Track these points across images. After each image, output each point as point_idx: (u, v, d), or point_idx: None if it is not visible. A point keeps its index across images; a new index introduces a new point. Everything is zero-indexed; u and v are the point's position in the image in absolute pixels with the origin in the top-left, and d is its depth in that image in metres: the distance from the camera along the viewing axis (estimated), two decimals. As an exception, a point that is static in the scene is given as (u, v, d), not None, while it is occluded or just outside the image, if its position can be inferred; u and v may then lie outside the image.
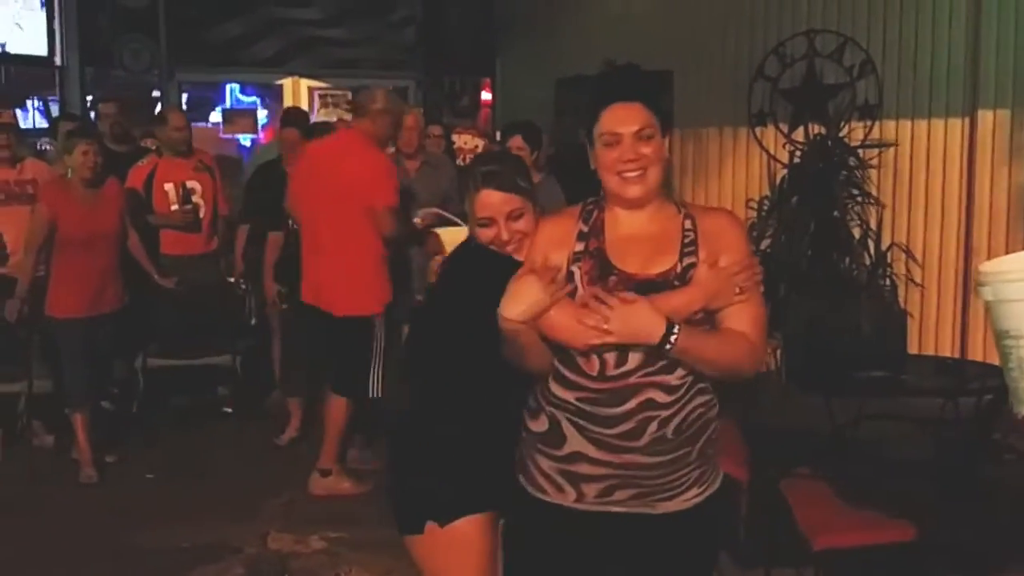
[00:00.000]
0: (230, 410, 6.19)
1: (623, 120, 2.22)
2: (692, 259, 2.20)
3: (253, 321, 5.99)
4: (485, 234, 2.41)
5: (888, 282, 6.76)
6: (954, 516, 4.01)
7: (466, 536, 2.45)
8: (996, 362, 2.20)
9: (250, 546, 4.39)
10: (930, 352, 6.54)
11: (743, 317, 2.20)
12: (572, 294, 2.19)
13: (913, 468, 4.49)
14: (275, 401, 6.05)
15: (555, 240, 2.28)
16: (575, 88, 7.88)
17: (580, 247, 2.24)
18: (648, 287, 2.16)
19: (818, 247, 6.81)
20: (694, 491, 2.25)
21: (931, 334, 6.79)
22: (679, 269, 2.19)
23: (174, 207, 6.00)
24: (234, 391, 6.23)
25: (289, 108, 7.90)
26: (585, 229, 2.26)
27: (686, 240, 2.22)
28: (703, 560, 2.37)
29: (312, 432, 5.69)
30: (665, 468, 2.20)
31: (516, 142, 5.49)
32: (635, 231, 2.25)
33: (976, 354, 6.35)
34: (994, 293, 2.15)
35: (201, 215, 6.07)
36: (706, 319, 2.20)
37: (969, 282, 6.63)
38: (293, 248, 5.46)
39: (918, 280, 6.81)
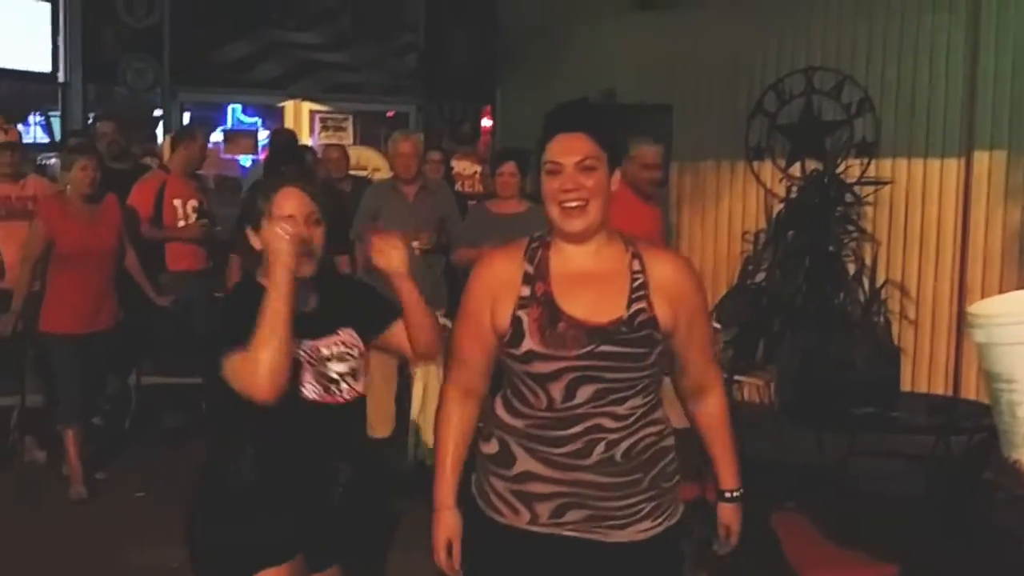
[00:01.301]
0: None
1: (566, 150, 2.19)
2: (642, 304, 2.18)
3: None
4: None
5: (882, 318, 6.80)
6: (944, 555, 4.01)
7: None
8: (989, 401, 2.21)
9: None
10: (923, 389, 6.55)
11: (699, 342, 2.31)
12: (519, 341, 2.17)
13: (904, 505, 4.48)
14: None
15: (500, 282, 2.23)
16: (553, 115, 7.89)
17: (526, 292, 2.20)
18: (598, 334, 2.14)
19: (813, 282, 6.86)
20: (647, 523, 2.23)
21: (924, 371, 6.80)
22: (626, 316, 2.16)
23: (181, 223, 6.02)
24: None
25: (278, 129, 7.96)
26: (531, 271, 2.22)
27: (635, 283, 2.20)
28: None
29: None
30: (615, 491, 2.19)
31: (509, 168, 5.59)
32: (581, 268, 2.21)
33: (969, 392, 6.36)
34: (986, 336, 2.13)
35: None
36: (659, 358, 2.22)
37: (963, 321, 6.65)
38: None
39: (912, 317, 6.85)
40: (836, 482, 4.74)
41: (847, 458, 4.82)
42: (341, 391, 2.50)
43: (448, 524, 2.28)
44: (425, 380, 4.86)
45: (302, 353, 2.41)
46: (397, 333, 2.66)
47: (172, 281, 5.91)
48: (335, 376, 2.49)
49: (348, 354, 2.53)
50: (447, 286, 5.96)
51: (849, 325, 6.58)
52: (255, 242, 2.48)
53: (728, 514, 2.41)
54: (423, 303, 2.62)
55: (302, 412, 2.42)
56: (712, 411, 2.37)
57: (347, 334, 2.55)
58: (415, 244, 5.76)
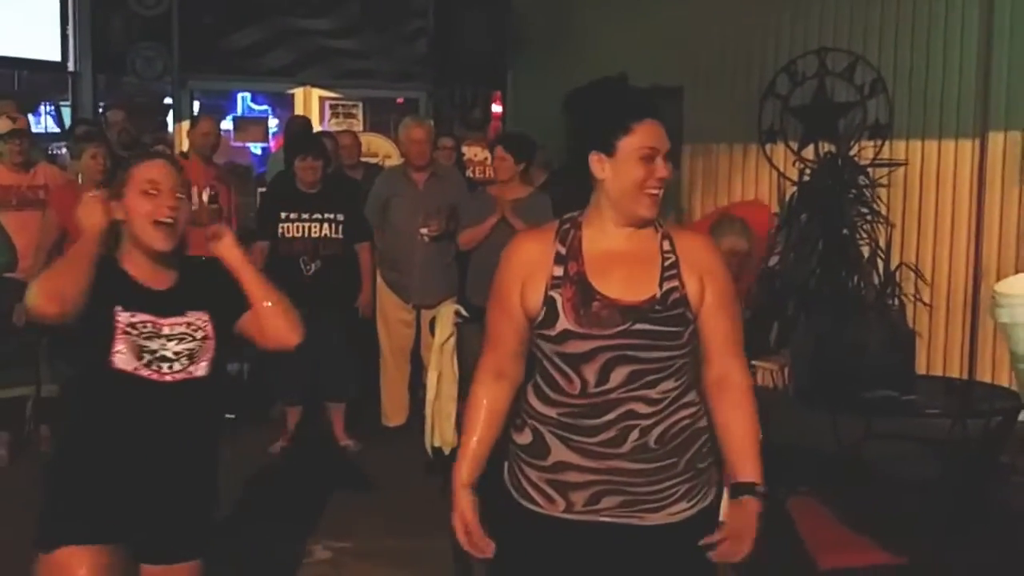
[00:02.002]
0: (232, 415, 6.19)
1: (660, 138, 2.20)
2: (674, 283, 2.19)
3: None
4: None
5: (896, 301, 6.76)
6: (961, 538, 3.99)
7: (60, 568, 2.41)
8: (1005, 383, 2.21)
9: (255, 556, 4.34)
10: (938, 373, 6.52)
11: (724, 331, 2.25)
12: (553, 321, 2.17)
13: (920, 489, 4.48)
14: (280, 410, 6.05)
15: (531, 263, 2.23)
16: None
17: (559, 272, 2.20)
18: (632, 313, 2.15)
19: (827, 265, 6.83)
20: (682, 504, 2.23)
21: (939, 354, 6.77)
22: (659, 294, 2.18)
23: (195, 208, 6.01)
24: (238, 399, 6.22)
25: (293, 117, 7.95)
26: (563, 251, 2.23)
27: (666, 263, 2.22)
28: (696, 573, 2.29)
29: (307, 441, 5.72)
30: (650, 476, 2.19)
31: (498, 152, 5.60)
32: (613, 248, 2.23)
33: (985, 375, 6.34)
34: (1011, 316, 2.15)
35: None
36: (691, 337, 2.21)
37: (978, 303, 6.62)
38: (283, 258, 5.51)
39: (926, 300, 6.81)
40: (851, 466, 4.73)
41: (862, 442, 4.82)
42: (171, 370, 2.45)
43: (463, 504, 2.27)
44: (439, 368, 4.85)
45: (120, 322, 2.40)
46: (247, 320, 2.61)
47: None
48: (169, 355, 2.45)
49: (190, 335, 2.49)
50: (459, 273, 5.98)
51: (863, 308, 6.55)
52: (119, 212, 2.49)
53: (750, 511, 2.22)
54: (263, 285, 2.61)
55: (115, 383, 2.40)
56: (737, 404, 2.26)
57: (196, 316, 2.52)
58: (424, 231, 5.75)
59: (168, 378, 2.44)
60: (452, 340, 4.83)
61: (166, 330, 2.46)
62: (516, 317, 2.25)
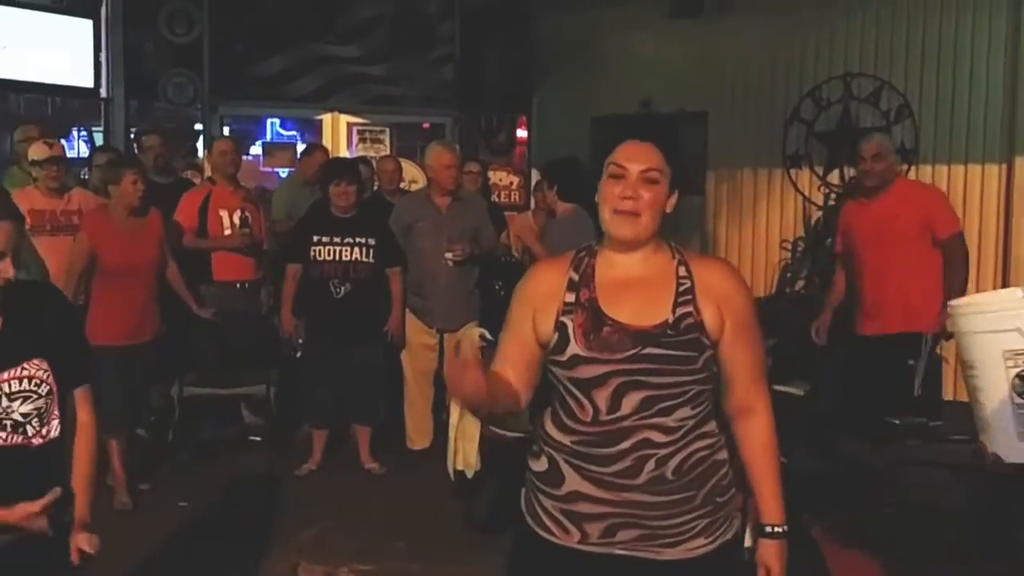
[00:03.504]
0: (259, 439, 6.20)
1: (633, 157, 2.19)
2: (687, 308, 2.16)
3: (298, 354, 5.98)
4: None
5: (924, 326, 6.70)
6: (987, 566, 3.95)
7: None
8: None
9: (280, 577, 4.40)
10: (965, 399, 6.44)
11: (744, 360, 2.21)
12: (564, 347, 2.16)
13: (947, 516, 4.45)
14: (306, 432, 6.06)
15: (544, 292, 2.23)
16: (611, 126, 7.93)
17: (571, 298, 2.19)
18: (643, 337, 2.12)
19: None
20: (701, 540, 2.18)
21: (967, 380, 6.70)
22: (671, 319, 2.14)
23: (227, 232, 6.06)
24: (265, 421, 6.24)
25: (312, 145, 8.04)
26: (576, 278, 2.22)
27: (681, 288, 2.18)
28: None
29: (332, 464, 5.72)
30: (668, 509, 2.15)
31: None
32: (627, 275, 2.21)
33: (1013, 401, 6.26)
34: (953, 325, 2.23)
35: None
36: (707, 363, 2.17)
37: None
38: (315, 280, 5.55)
39: (954, 326, 6.75)
40: (878, 492, 4.69)
41: (888, 467, 4.77)
42: (27, 435, 2.23)
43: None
44: (463, 392, 4.83)
45: None
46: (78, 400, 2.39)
47: (215, 293, 5.93)
48: (18, 419, 2.21)
49: (33, 392, 2.24)
50: (480, 298, 5.99)
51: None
52: None
53: (770, 552, 2.22)
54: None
55: None
56: (756, 436, 2.23)
57: (36, 366, 2.24)
58: (448, 256, 5.77)
59: (28, 444, 2.23)
60: (477, 364, 4.81)
61: (4, 387, 2.20)
62: (529, 344, 2.24)
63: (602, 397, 2.14)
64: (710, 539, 2.19)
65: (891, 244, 5.03)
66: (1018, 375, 2.09)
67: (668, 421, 2.14)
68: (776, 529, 2.22)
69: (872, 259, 5.12)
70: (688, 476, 2.16)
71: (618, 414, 2.13)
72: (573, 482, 2.19)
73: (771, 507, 2.22)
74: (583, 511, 2.18)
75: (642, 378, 2.12)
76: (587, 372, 2.14)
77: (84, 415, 2.43)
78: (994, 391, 2.14)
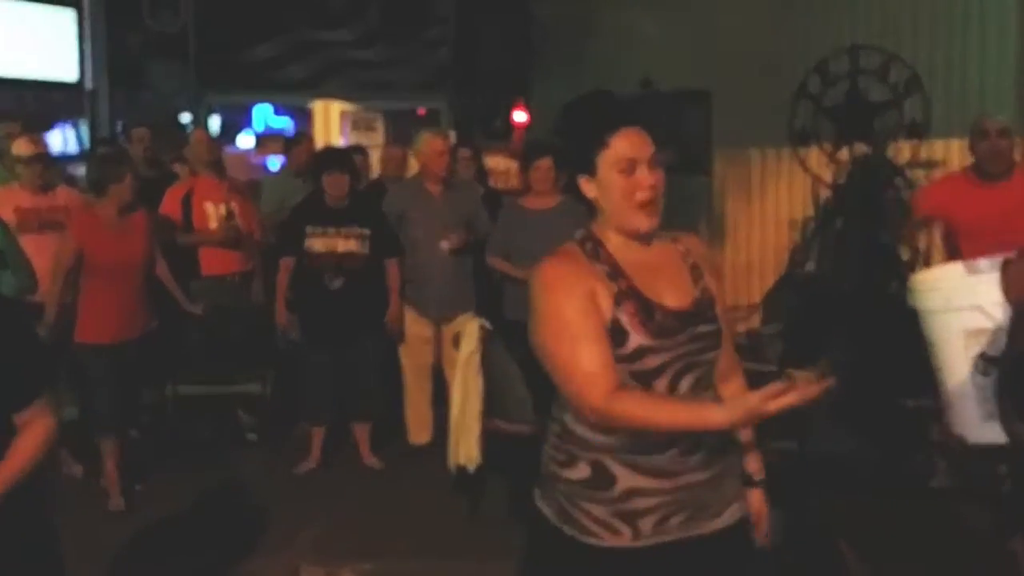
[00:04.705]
0: (255, 436, 6.11)
1: (637, 145, 2.15)
2: (702, 283, 2.24)
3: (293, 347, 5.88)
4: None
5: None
6: (1003, 547, 3.82)
7: None
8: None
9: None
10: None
11: (728, 323, 2.32)
12: (624, 340, 2.09)
13: (963, 496, 4.45)
14: (303, 429, 5.96)
15: (583, 279, 2.12)
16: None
17: (615, 289, 2.14)
18: (689, 318, 2.16)
19: (864, 270, 6.66)
20: (736, 505, 2.27)
21: (983, 360, 6.57)
22: (698, 297, 2.21)
23: (213, 225, 5.96)
24: (261, 419, 6.15)
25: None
26: (606, 268, 2.17)
27: (690, 264, 2.26)
28: (758, 569, 2.38)
29: (331, 461, 5.67)
30: (713, 482, 2.20)
31: (546, 163, 5.47)
32: (644, 259, 2.21)
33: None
34: (921, 302, 2.27)
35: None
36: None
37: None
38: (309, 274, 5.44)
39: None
40: (892, 475, 4.67)
41: (902, 450, 4.74)
42: None
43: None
44: (464, 385, 4.76)
45: None
46: (26, 421, 2.31)
47: (204, 287, 5.86)
48: None
49: None
50: (476, 286, 5.89)
51: (904, 314, 6.37)
52: None
53: (758, 498, 2.37)
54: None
55: None
56: (739, 394, 2.27)
57: None
58: (444, 244, 5.68)
59: None
60: (477, 355, 4.73)
61: None
62: (604, 337, 2.08)
63: (662, 384, 2.14)
64: (740, 503, 2.29)
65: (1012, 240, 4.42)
66: (981, 355, 2.04)
67: (710, 395, 2.21)
68: (761, 478, 2.37)
69: (984, 253, 4.47)
70: (719, 445, 2.21)
71: (675, 395, 2.15)
72: (627, 480, 2.15)
73: (755, 459, 2.36)
74: (638, 507, 2.16)
75: (693, 359, 2.16)
76: (652, 362, 2.13)
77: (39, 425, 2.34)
78: (955, 372, 2.09)
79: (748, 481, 2.34)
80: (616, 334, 2.10)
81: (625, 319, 2.11)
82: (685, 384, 2.14)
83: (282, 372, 6.03)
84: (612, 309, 2.12)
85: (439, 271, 5.72)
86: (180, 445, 5.80)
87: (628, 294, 2.14)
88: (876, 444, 4.78)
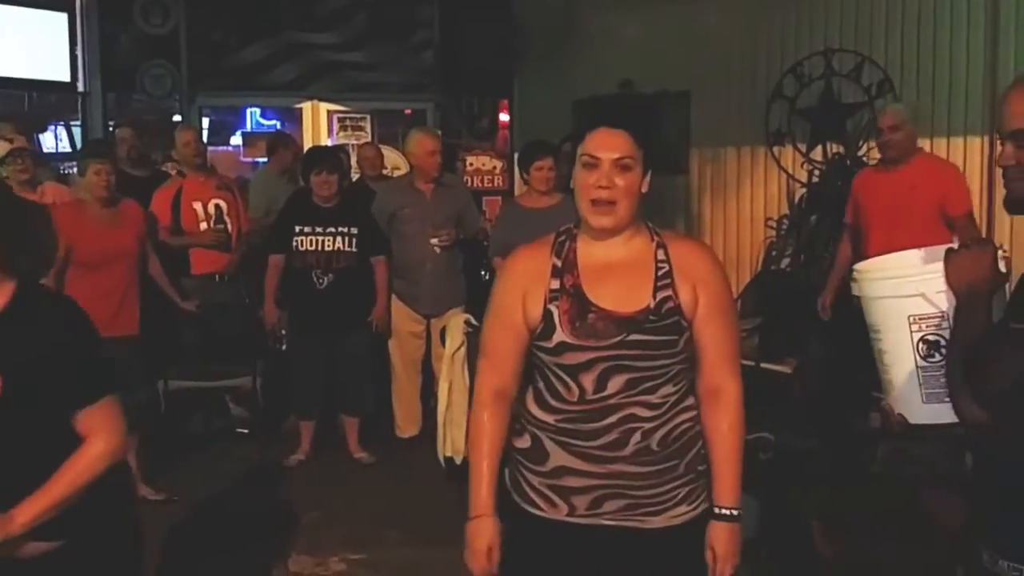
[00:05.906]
0: (246, 431, 6.19)
1: (605, 145, 2.20)
2: (667, 292, 2.20)
3: (283, 347, 5.95)
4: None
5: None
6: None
7: None
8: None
9: (271, 569, 4.38)
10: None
11: (717, 341, 2.24)
12: (550, 334, 2.19)
13: (934, 488, 4.48)
14: (293, 423, 6.05)
15: (529, 276, 2.25)
16: (592, 109, 7.91)
17: (555, 284, 2.22)
18: (627, 324, 2.17)
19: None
20: (683, 507, 2.25)
21: (952, 354, 6.70)
22: (653, 305, 2.19)
23: (203, 225, 6.02)
24: (252, 413, 6.22)
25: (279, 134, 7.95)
26: (559, 264, 2.24)
27: (660, 272, 2.22)
28: None
29: (321, 454, 5.72)
30: (653, 479, 2.21)
31: (547, 163, 5.51)
32: (608, 259, 2.24)
33: (999, 374, 6.27)
34: (858, 290, 2.27)
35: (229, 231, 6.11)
36: (687, 344, 2.22)
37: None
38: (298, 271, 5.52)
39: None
40: (865, 469, 4.71)
41: (876, 442, 4.79)
42: None
43: (487, 530, 2.27)
44: (451, 377, 4.86)
45: None
46: (84, 422, 2.18)
47: (196, 285, 5.91)
48: None
49: None
50: (466, 283, 5.97)
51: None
52: None
53: (719, 534, 2.24)
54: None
55: None
56: (724, 417, 2.25)
57: None
58: (435, 241, 5.77)
59: None
60: (463, 350, 4.83)
61: None
62: (518, 330, 2.25)
63: (588, 380, 2.19)
64: (692, 506, 2.26)
65: (906, 217, 4.94)
66: (923, 339, 2.11)
67: (652, 398, 2.20)
68: (730, 512, 2.24)
69: (883, 231, 5.02)
70: (672, 447, 2.22)
71: (604, 394, 2.19)
72: (558, 457, 2.23)
73: (727, 489, 2.24)
74: (570, 484, 2.23)
75: (627, 362, 2.17)
76: (574, 359, 2.18)
77: (99, 440, 2.19)
78: (899, 355, 2.16)
79: (712, 513, 2.25)
80: (546, 327, 2.19)
81: (556, 314, 2.18)
82: (615, 383, 2.17)
83: (272, 367, 6.11)
84: (547, 302, 2.20)
85: (431, 268, 5.80)
86: (171, 440, 5.82)
87: (568, 291, 2.20)
88: (845, 436, 4.84)
